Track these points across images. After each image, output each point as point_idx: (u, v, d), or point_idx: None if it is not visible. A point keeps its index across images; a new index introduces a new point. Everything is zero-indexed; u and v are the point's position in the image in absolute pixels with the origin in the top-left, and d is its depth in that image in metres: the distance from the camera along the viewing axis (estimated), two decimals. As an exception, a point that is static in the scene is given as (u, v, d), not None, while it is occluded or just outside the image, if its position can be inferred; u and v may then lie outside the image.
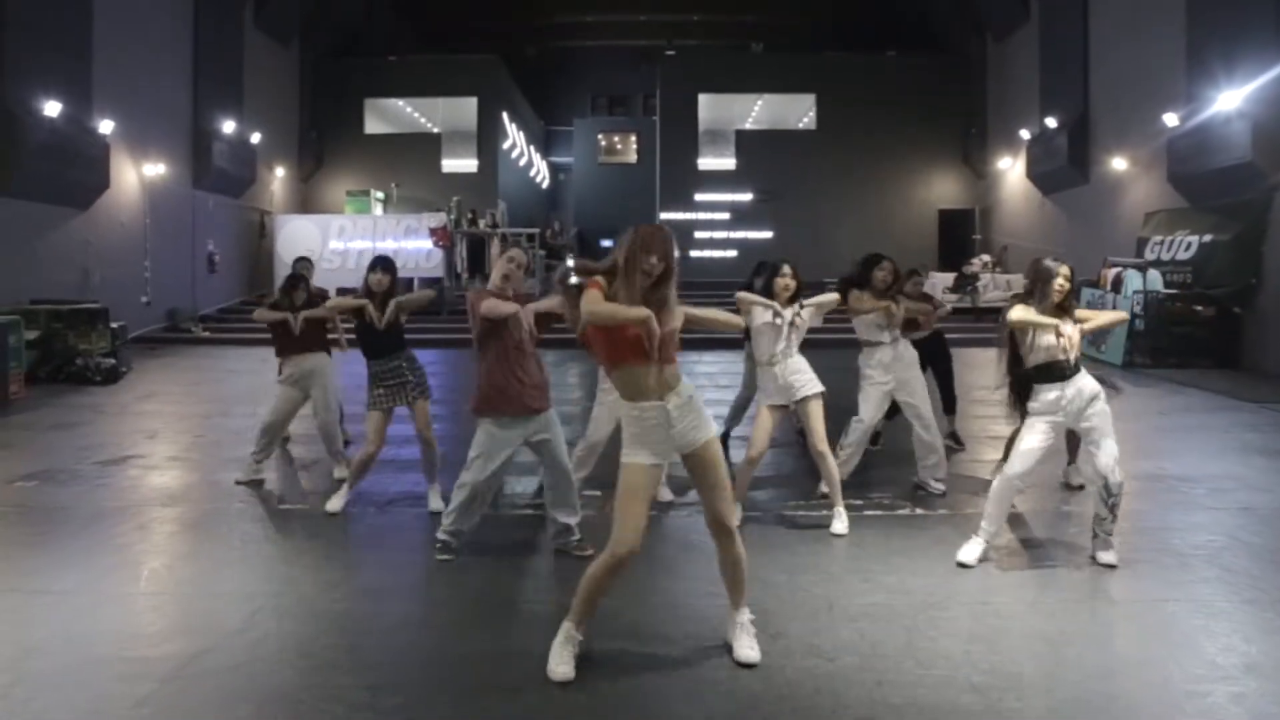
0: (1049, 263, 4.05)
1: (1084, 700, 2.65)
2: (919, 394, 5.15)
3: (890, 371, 5.09)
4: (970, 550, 3.93)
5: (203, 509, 4.92)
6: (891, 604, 3.40)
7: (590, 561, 2.94)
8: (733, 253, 20.95)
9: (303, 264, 6.69)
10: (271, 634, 3.13)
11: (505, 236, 18.62)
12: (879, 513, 4.80)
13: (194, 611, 3.41)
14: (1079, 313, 4.03)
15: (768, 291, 4.47)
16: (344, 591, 3.59)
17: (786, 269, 4.50)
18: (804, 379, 4.43)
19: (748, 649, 2.89)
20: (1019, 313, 3.96)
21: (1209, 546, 4.18)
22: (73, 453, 6.46)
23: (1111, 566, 3.84)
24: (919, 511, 4.85)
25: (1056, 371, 3.93)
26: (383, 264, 4.83)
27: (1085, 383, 3.92)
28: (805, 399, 4.41)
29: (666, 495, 4.92)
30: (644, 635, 3.13)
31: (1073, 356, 3.91)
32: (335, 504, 4.79)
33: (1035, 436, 3.93)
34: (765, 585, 3.63)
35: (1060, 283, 3.96)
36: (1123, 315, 4.71)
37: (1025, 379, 4.06)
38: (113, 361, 10.69)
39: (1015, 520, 4.62)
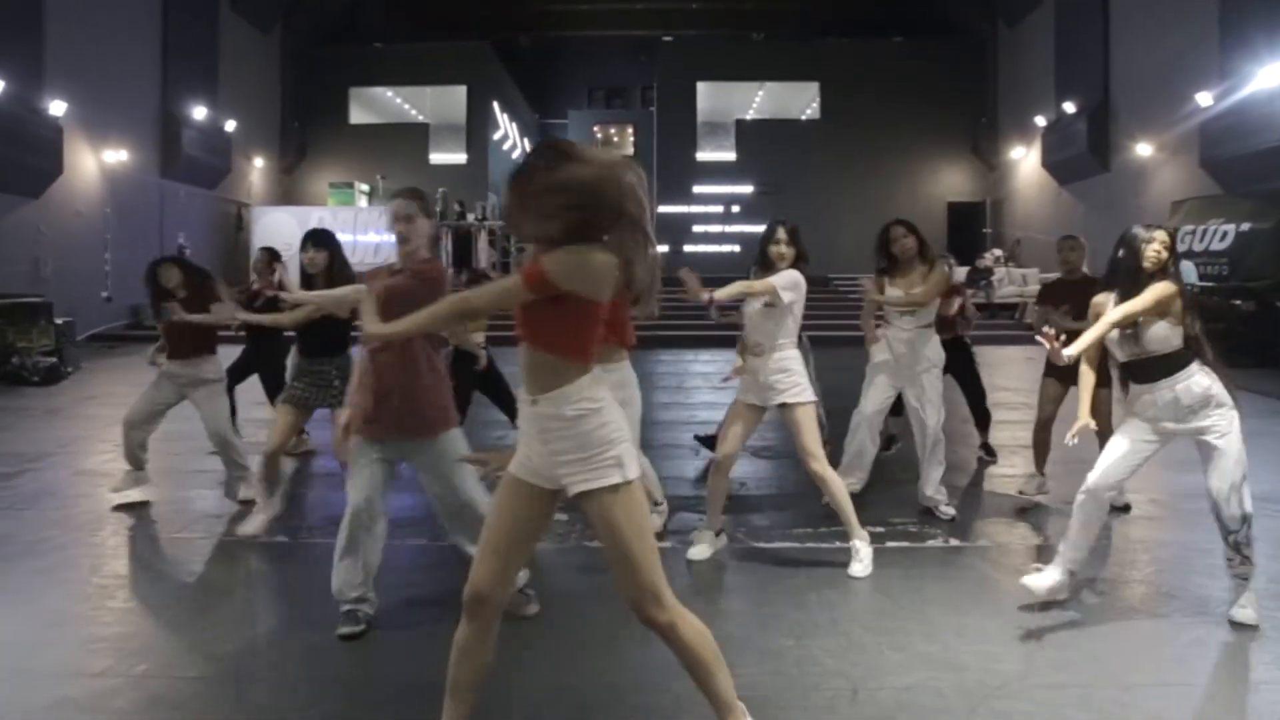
0: (1138, 230, 3.11)
1: None
2: (929, 398, 4.25)
3: (894, 354, 4.23)
4: (1042, 580, 3.02)
5: (81, 540, 4.02)
6: (938, 687, 2.49)
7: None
8: (732, 247, 20.05)
9: (264, 254, 5.81)
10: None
11: (494, 230, 17.78)
12: (905, 544, 3.90)
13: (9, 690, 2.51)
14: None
15: (763, 260, 3.58)
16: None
17: (781, 234, 3.58)
18: (788, 380, 3.52)
19: None
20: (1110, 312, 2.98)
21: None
22: (-33, 464, 5.57)
23: (1252, 626, 2.91)
24: (954, 542, 3.95)
25: (1155, 367, 2.98)
26: (315, 239, 3.91)
27: (1195, 381, 2.98)
28: (788, 406, 3.50)
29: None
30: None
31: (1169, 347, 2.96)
32: (252, 525, 3.91)
33: (1123, 438, 3.03)
34: (764, 655, 2.72)
35: (1155, 249, 3.03)
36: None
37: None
38: (54, 360, 9.81)
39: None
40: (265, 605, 3.31)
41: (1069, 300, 4.33)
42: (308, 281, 3.98)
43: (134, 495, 4.52)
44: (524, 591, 2.99)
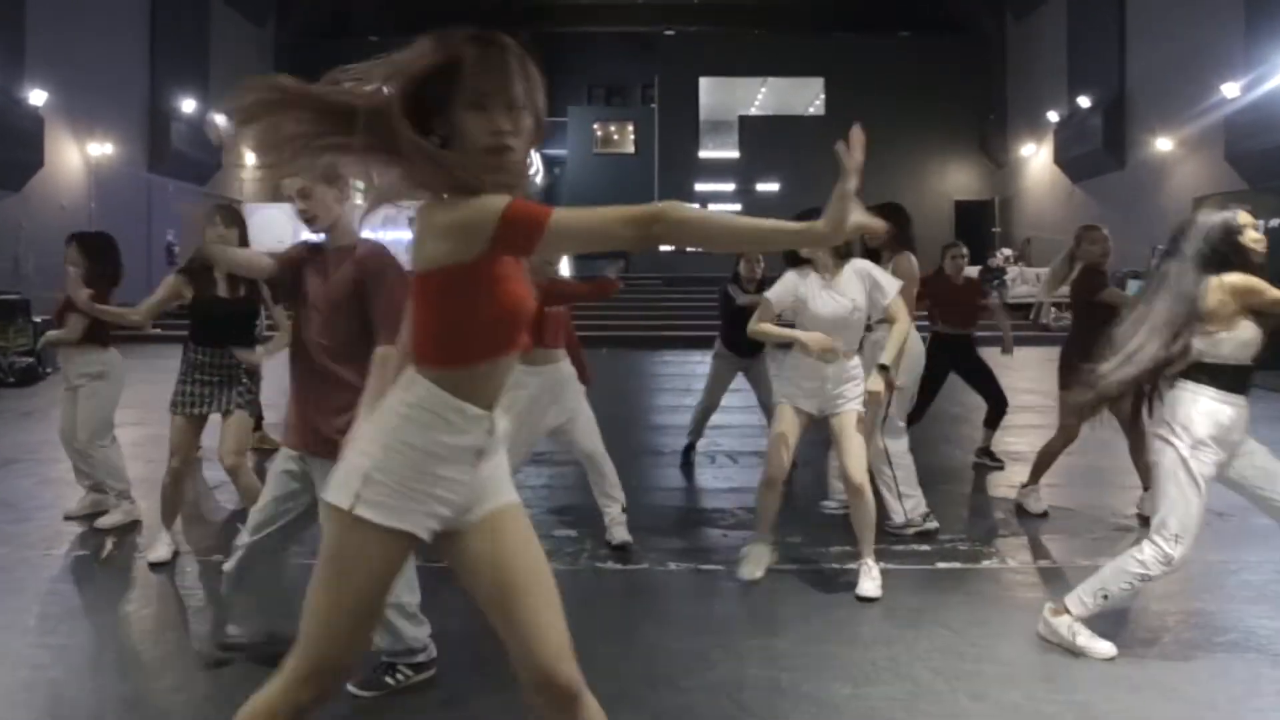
0: (1224, 214, 2.67)
1: None
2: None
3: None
4: (1104, 647, 2.58)
5: (22, 558, 3.58)
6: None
7: None
8: (736, 246, 19.67)
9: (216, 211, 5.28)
10: None
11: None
12: (957, 564, 3.46)
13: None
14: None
15: (793, 258, 3.16)
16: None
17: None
18: (857, 389, 3.11)
19: None
20: (1241, 279, 2.51)
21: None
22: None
23: None
24: (1011, 563, 3.52)
25: (1240, 379, 2.58)
26: (223, 214, 3.38)
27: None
28: (840, 412, 3.09)
29: (623, 534, 3.60)
30: None
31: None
32: (160, 551, 3.45)
33: (1193, 485, 2.51)
34: (820, 707, 2.28)
35: (1253, 235, 2.62)
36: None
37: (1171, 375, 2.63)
38: (31, 360, 9.36)
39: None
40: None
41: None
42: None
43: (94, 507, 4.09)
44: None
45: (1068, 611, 2.61)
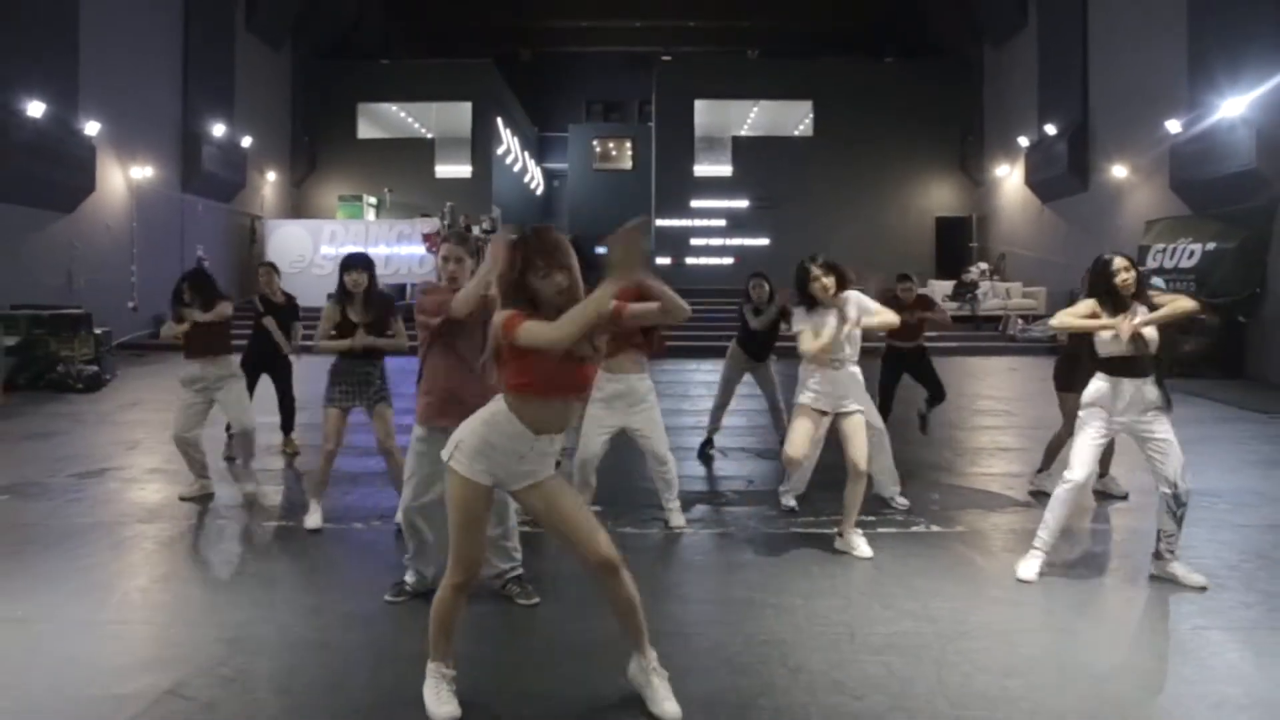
0: (1105, 256, 3.86)
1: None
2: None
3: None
4: (1029, 566, 3.74)
5: (181, 526, 4.66)
6: (918, 633, 3.16)
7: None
8: (729, 260, 20.76)
9: (266, 268, 6.68)
10: (248, 669, 2.87)
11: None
12: (894, 530, 4.58)
13: (166, 642, 3.15)
14: (1160, 298, 3.79)
15: (805, 299, 4.17)
16: (326, 619, 3.33)
17: (816, 270, 4.12)
18: (859, 390, 4.19)
19: (666, 702, 2.53)
20: (1060, 317, 3.84)
21: (1241, 568, 3.96)
22: (47, 464, 6.18)
23: (1203, 588, 3.61)
24: (935, 529, 4.63)
25: (1122, 367, 3.72)
26: (360, 262, 4.54)
27: (1149, 389, 3.69)
28: (850, 414, 4.15)
29: (679, 520, 4.64)
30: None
31: (1139, 350, 3.67)
32: (313, 520, 4.52)
33: (1087, 434, 3.76)
34: (779, 611, 3.39)
35: (1123, 277, 3.74)
36: (1188, 305, 3.74)
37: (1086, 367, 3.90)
38: (95, 368, 10.40)
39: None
40: (323, 581, 3.96)
41: None
42: (348, 299, 4.53)
43: (202, 490, 5.20)
44: (522, 583, 3.50)
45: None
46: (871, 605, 3.45)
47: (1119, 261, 3.78)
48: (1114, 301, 3.74)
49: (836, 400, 4.16)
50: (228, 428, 5.90)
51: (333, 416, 4.46)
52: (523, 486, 2.55)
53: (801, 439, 4.14)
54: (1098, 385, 3.78)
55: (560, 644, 3.11)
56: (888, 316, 4.22)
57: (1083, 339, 4.28)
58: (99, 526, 4.58)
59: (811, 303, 4.17)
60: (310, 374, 5.87)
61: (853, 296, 4.18)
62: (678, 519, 4.60)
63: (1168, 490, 3.69)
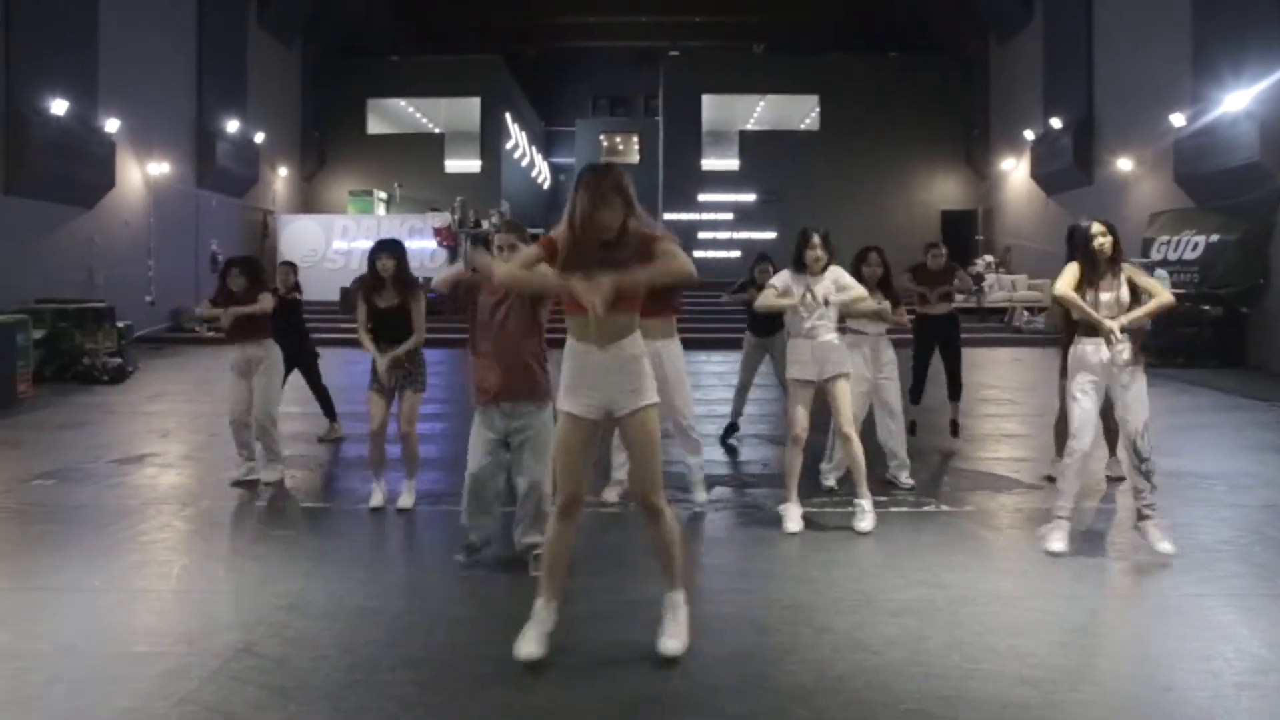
0: (1082, 224, 4.10)
1: (1138, 693, 2.64)
2: (892, 392, 5.19)
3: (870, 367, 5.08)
4: (1057, 537, 3.91)
5: (223, 507, 4.89)
6: (930, 599, 3.38)
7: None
8: (736, 253, 20.94)
9: (285, 267, 6.94)
10: (310, 631, 3.10)
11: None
12: (906, 509, 4.79)
13: (228, 608, 3.38)
14: (1131, 274, 4.00)
15: (799, 263, 4.39)
16: (376, 589, 3.56)
17: (815, 239, 4.35)
18: (839, 356, 4.37)
19: (669, 638, 2.78)
20: (1059, 288, 4.00)
21: (1237, 542, 4.17)
22: (86, 451, 6.42)
23: (1170, 554, 3.80)
24: (945, 508, 4.84)
25: (1095, 329, 3.93)
26: (388, 248, 4.73)
27: (1125, 350, 3.92)
28: (834, 377, 4.34)
29: (702, 496, 4.81)
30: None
31: (1111, 313, 3.89)
32: (376, 499, 4.71)
33: (1081, 401, 3.97)
34: (800, 581, 3.61)
35: (1099, 241, 3.94)
36: (1167, 300, 4.03)
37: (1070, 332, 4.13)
38: (119, 361, 10.64)
39: (1045, 516, 4.62)
40: (390, 556, 4.20)
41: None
42: (379, 284, 4.73)
43: (265, 475, 5.37)
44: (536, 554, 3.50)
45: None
46: (886, 575, 3.67)
47: (1096, 227, 4.01)
48: (1092, 264, 3.98)
49: (819, 368, 4.35)
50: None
51: (374, 399, 4.68)
52: (625, 413, 2.77)
53: (798, 415, 4.36)
54: (1074, 350, 4.03)
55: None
56: (858, 292, 4.42)
57: (1078, 326, 4.49)
58: (147, 507, 4.82)
59: (801, 267, 4.40)
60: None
61: (831, 272, 4.40)
62: (701, 495, 4.77)
63: (1129, 445, 3.93)
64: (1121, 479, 5.36)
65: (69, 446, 6.65)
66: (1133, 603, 3.52)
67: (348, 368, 5.69)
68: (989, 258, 18.69)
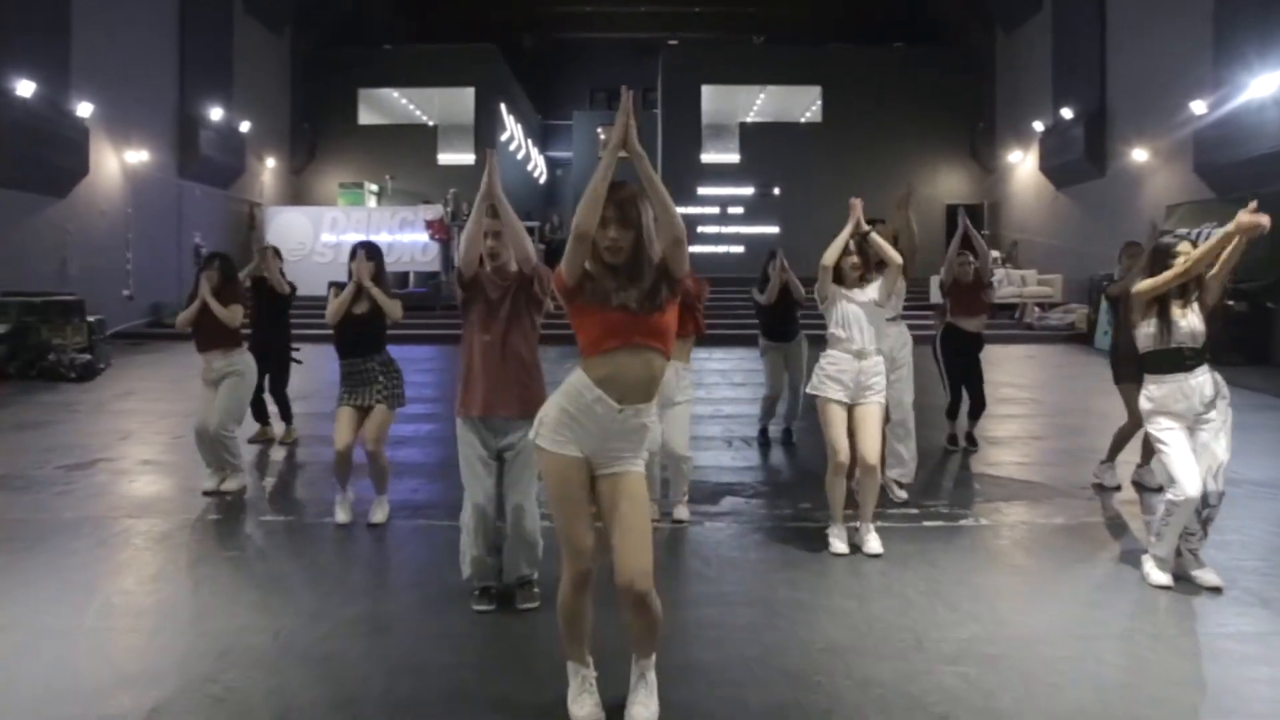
0: (1166, 240, 3.57)
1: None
2: (904, 390, 4.68)
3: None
4: (1160, 577, 3.36)
5: (173, 521, 4.33)
6: (990, 639, 2.84)
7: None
8: (738, 248, 20.41)
9: (271, 248, 6.37)
10: (241, 686, 2.54)
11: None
12: (940, 523, 4.25)
13: (150, 653, 2.82)
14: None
15: (837, 275, 3.88)
16: (330, 625, 3.00)
17: (851, 245, 3.90)
18: (880, 381, 3.85)
19: (640, 706, 2.30)
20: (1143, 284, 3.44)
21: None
22: (36, 455, 5.86)
23: (1218, 589, 3.28)
24: (983, 522, 4.31)
25: (1164, 363, 3.39)
26: (366, 249, 4.30)
27: (1205, 378, 3.37)
28: (868, 401, 3.81)
29: (684, 513, 4.33)
30: (696, 669, 2.57)
31: (1180, 342, 3.37)
32: (341, 515, 4.24)
33: (1169, 447, 3.36)
34: (833, 614, 3.07)
35: (1183, 260, 3.41)
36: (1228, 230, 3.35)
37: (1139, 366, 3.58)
38: (89, 357, 10.07)
39: (1093, 531, 4.09)
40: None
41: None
42: (355, 287, 4.23)
43: (226, 484, 4.83)
44: (530, 586, 3.18)
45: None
46: (934, 607, 3.12)
47: (1183, 245, 3.50)
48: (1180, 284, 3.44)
49: (858, 392, 3.82)
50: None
51: (342, 415, 4.21)
52: (609, 473, 2.27)
53: (841, 442, 3.80)
54: (1147, 392, 3.48)
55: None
56: (888, 252, 3.96)
57: (1126, 330, 4.01)
58: (86, 521, 4.27)
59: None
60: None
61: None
62: (682, 512, 4.30)
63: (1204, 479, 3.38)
64: (1152, 489, 4.83)
65: (19, 449, 6.09)
66: (1221, 646, 2.96)
67: (332, 363, 5.06)
68: (995, 253, 18.16)
